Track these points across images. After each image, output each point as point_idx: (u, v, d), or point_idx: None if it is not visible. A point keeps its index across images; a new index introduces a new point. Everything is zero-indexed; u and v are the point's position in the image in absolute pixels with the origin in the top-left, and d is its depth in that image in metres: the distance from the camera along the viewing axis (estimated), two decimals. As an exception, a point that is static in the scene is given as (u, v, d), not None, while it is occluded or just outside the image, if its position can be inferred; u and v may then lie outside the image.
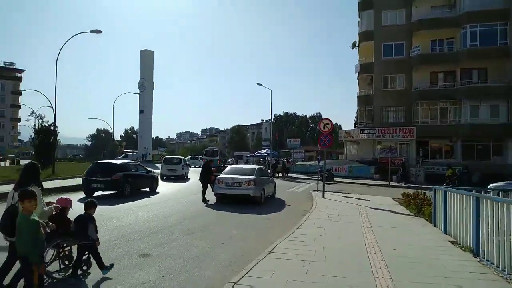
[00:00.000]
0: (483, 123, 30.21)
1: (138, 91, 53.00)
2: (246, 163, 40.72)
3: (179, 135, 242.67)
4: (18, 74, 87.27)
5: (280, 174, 34.12)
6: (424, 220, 10.67)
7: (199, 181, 15.31)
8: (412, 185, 27.53)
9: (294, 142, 45.37)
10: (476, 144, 32.01)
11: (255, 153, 54.83)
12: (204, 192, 14.76)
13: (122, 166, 16.21)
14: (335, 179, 30.27)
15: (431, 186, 25.67)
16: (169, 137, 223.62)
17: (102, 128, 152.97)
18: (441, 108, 32.80)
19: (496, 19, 30.02)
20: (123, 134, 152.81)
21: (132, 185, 15.89)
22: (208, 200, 14.37)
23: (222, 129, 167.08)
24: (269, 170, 34.43)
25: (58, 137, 25.45)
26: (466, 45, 30.74)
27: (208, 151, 47.08)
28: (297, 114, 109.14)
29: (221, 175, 14.43)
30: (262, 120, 45.00)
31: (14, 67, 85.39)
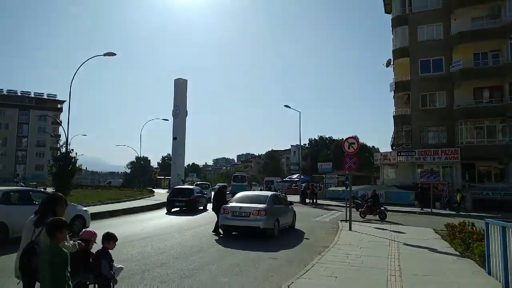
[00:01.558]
0: (539, 142, 26.69)
1: (167, 118, 52.97)
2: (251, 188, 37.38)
3: (216, 161, 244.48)
4: (59, 105, 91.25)
5: (310, 201, 31.89)
6: (473, 262, 8.29)
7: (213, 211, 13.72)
8: (457, 212, 24.41)
9: (325, 166, 42.87)
10: (531, 166, 28.31)
11: (286, 178, 52.74)
12: (217, 223, 13.04)
13: (195, 189, 23.34)
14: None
15: (480, 214, 22.97)
16: (206, 163, 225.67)
17: (142, 156, 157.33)
18: (488, 127, 29.52)
19: (548, 27, 26.96)
20: (160, 161, 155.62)
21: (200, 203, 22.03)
22: (221, 233, 12.61)
23: (257, 154, 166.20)
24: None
25: (80, 164, 24.98)
26: (515, 56, 27.74)
27: (237, 177, 45.49)
28: (333, 138, 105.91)
29: (228, 204, 12.68)
30: (292, 145, 42.77)
31: (55, 99, 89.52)
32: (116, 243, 4.94)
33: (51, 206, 4.19)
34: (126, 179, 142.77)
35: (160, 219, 17.91)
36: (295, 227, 15.03)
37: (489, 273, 6.88)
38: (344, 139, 14.62)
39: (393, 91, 36.23)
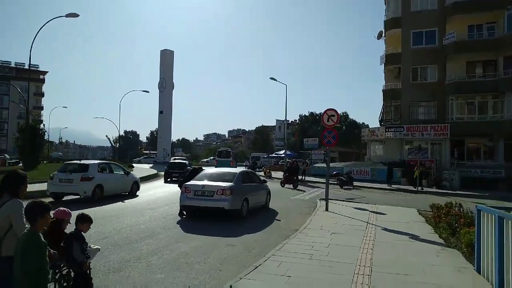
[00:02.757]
0: (532, 118, 25.66)
1: (147, 90, 50.94)
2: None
3: (206, 136, 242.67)
4: (42, 76, 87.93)
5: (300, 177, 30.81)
6: (459, 254, 7.12)
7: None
8: (444, 191, 23.55)
9: (311, 142, 41.58)
10: (522, 144, 27.40)
11: (273, 154, 51.63)
12: None
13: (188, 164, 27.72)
14: (356, 183, 26.67)
15: (467, 193, 22.07)
16: (196, 138, 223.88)
17: (130, 130, 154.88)
18: (480, 102, 28.37)
19: (547, -3, 25.41)
20: (148, 136, 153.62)
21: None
22: (185, 214, 11.32)
23: (248, 130, 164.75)
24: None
25: (48, 137, 23.40)
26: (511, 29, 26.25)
27: (222, 152, 44.14)
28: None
29: (190, 182, 11.36)
30: (277, 119, 41.23)
31: (37, 69, 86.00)
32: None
33: (7, 183, 3.54)
34: (114, 154, 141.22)
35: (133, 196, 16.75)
36: (270, 207, 13.88)
37: (478, 271, 5.69)
38: (323, 111, 13.22)
39: (383, 64, 34.72)
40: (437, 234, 9.05)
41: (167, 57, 75.73)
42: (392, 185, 25.65)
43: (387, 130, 31.65)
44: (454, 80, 28.60)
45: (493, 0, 27.53)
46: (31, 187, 10.31)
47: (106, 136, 71.84)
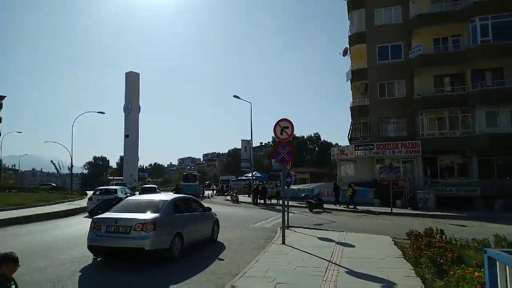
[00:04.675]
0: (503, 132, 24.58)
1: (103, 111, 47.93)
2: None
3: (181, 161, 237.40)
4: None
5: (273, 201, 28.78)
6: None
7: None
8: (419, 212, 21.85)
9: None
10: (495, 159, 26.29)
11: (242, 177, 49.25)
12: None
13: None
14: (326, 205, 24.70)
15: (444, 214, 20.31)
16: (171, 163, 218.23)
17: (100, 156, 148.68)
18: (450, 118, 27.26)
19: (510, 9, 24.89)
20: (118, 161, 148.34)
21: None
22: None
23: (222, 153, 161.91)
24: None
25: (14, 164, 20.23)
26: (477, 41, 25.52)
27: (187, 176, 41.35)
28: (295, 135, 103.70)
29: (103, 214, 8.84)
30: (242, 139, 38.96)
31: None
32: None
33: None
34: (83, 181, 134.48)
35: (57, 229, 13.92)
36: (219, 240, 11.45)
37: None
38: (277, 122, 11.08)
39: (349, 81, 33.57)
40: (419, 276, 6.86)
41: (132, 79, 73.06)
42: (342, 205, 25.16)
43: (356, 148, 30.07)
44: (422, 95, 27.51)
45: (457, 13, 27.00)
46: None
47: (51, 161, 66.88)
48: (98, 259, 8.62)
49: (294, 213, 21.46)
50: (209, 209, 11.24)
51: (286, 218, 11.78)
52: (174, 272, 7.66)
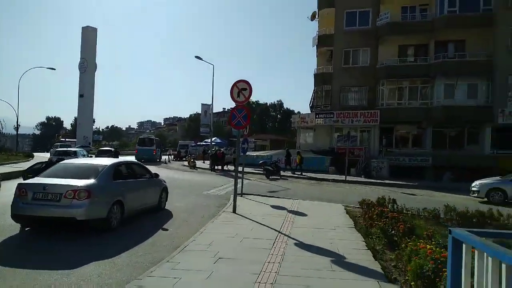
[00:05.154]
0: (459, 105, 25.18)
1: (53, 67, 44.77)
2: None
3: (140, 124, 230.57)
4: None
5: (226, 167, 28.39)
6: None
7: None
8: (373, 180, 22.27)
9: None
10: (448, 131, 27.10)
11: (201, 142, 48.31)
12: None
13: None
14: (283, 173, 24.62)
15: (397, 182, 20.73)
16: (129, 126, 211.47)
17: (53, 116, 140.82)
18: (410, 88, 27.52)
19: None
20: (73, 122, 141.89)
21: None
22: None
23: (184, 117, 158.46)
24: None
25: None
26: (444, 12, 25.39)
27: (143, 140, 39.72)
28: (259, 102, 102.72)
29: (30, 180, 7.87)
30: (203, 103, 37.56)
31: None
32: None
33: None
34: (35, 142, 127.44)
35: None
36: (167, 207, 10.78)
37: None
38: (234, 83, 10.25)
39: (315, 47, 32.88)
40: (369, 248, 6.58)
41: (89, 35, 68.32)
42: (296, 172, 25.31)
43: (317, 116, 29.91)
44: (385, 64, 27.42)
45: (426, -19, 26.55)
46: None
47: None
48: (26, 229, 7.71)
49: (251, 180, 21.16)
50: (157, 175, 10.44)
51: (240, 185, 11.28)
52: (109, 242, 6.96)
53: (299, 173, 24.87)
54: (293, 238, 7.09)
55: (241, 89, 10.17)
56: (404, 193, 17.10)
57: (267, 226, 8.12)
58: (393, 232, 7.16)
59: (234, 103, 10.54)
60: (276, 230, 7.70)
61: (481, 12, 24.79)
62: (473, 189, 15.71)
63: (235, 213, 9.77)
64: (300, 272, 5.21)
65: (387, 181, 21.50)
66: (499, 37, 24.49)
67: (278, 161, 26.35)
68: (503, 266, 2.15)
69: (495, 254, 2.23)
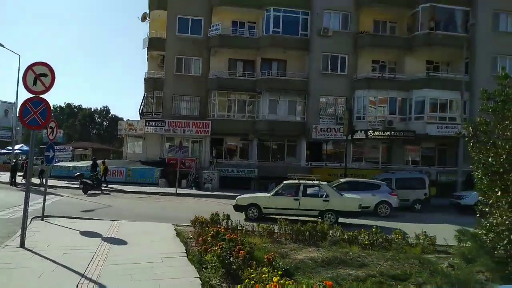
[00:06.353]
0: (280, 120, 27.10)
1: None
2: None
3: None
4: None
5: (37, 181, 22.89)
6: None
7: None
8: (204, 192, 21.63)
9: (57, 135, 33.02)
10: (272, 144, 28.97)
11: (3, 150, 39.21)
12: None
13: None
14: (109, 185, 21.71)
15: (226, 194, 20.34)
16: None
17: None
18: (239, 101, 28.26)
19: (299, 6, 27.30)
20: None
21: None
22: None
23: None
24: None
25: None
26: (269, 31, 27.02)
27: None
28: (82, 107, 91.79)
29: None
30: (3, 101, 30.41)
31: None
32: None
33: None
34: None
35: None
36: None
37: None
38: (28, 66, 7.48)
39: (146, 49, 30.66)
40: (203, 280, 5.25)
41: None
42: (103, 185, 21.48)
43: (147, 124, 27.69)
44: (217, 76, 27.45)
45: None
46: None
47: None
48: None
49: (63, 196, 17.60)
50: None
51: (42, 205, 8.41)
52: None
53: (105, 185, 21.87)
54: (101, 285, 5.14)
55: (38, 74, 7.50)
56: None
57: (67, 268, 5.88)
58: (231, 259, 6.06)
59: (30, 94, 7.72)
60: (79, 274, 5.56)
61: (299, 36, 27.41)
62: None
63: (23, 247, 7.04)
64: None
65: (217, 193, 21.15)
66: (313, 61, 27.53)
67: (98, 173, 22.94)
68: None
69: None
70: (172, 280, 5.48)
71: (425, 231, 8.37)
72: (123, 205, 15.66)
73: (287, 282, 4.40)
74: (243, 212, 13.24)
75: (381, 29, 28.98)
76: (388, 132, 25.99)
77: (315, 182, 13.62)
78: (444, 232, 9.05)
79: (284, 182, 14.12)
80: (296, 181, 13.75)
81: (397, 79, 27.26)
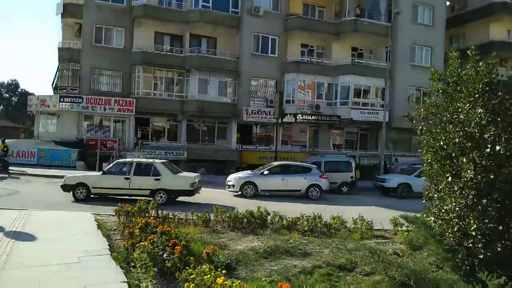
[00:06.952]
0: (211, 100, 26.15)
1: None
2: None
3: None
4: None
5: None
6: None
7: None
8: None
9: None
10: (201, 125, 28.00)
11: None
12: None
13: None
14: (16, 168, 19.28)
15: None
16: None
17: None
18: (167, 78, 26.64)
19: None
20: None
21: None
22: None
23: None
24: None
25: None
26: (198, 5, 25.58)
27: None
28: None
29: None
30: None
31: None
32: None
33: None
34: None
35: None
36: None
37: None
38: None
39: (60, 16, 27.31)
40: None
41: None
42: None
43: (62, 100, 24.85)
44: (141, 50, 25.44)
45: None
46: None
47: None
48: None
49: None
50: None
51: None
52: None
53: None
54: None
55: None
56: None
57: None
58: (165, 256, 5.33)
59: None
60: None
61: (230, 13, 26.36)
62: (229, 183, 16.04)
63: None
64: None
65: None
66: (243, 41, 26.79)
67: (5, 153, 20.11)
68: None
69: None
70: (93, 287, 4.60)
71: (362, 216, 8.39)
72: (33, 190, 13.83)
73: (234, 284, 3.85)
74: (71, 193, 12.31)
75: (310, 13, 29.06)
76: (315, 116, 26.50)
77: (149, 160, 13.49)
78: (375, 214, 9.21)
79: (117, 160, 14.08)
80: (129, 159, 13.81)
81: (324, 64, 27.74)
